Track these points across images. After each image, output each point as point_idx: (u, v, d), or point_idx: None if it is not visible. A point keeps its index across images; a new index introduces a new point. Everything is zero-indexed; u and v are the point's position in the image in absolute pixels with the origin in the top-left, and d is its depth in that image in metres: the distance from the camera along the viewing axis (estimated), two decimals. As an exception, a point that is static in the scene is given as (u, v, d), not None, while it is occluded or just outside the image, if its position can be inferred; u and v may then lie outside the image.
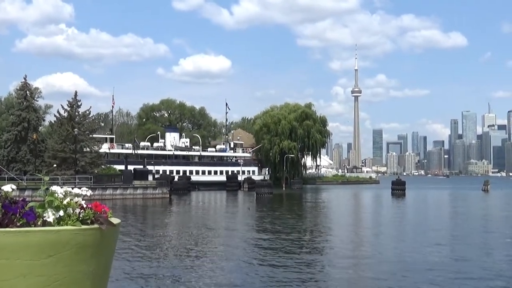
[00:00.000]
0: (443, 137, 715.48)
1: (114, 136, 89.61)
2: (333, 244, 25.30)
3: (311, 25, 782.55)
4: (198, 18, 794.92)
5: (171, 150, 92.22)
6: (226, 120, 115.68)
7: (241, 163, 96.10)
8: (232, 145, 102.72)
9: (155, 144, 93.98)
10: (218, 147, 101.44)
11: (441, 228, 32.69)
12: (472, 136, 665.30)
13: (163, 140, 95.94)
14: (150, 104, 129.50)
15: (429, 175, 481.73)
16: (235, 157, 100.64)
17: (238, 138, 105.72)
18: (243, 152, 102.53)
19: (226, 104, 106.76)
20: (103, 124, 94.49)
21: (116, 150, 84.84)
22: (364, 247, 24.53)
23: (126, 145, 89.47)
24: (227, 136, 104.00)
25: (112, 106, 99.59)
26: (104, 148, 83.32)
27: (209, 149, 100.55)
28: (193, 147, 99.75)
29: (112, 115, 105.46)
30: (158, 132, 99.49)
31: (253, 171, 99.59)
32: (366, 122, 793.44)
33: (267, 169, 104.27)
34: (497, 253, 22.03)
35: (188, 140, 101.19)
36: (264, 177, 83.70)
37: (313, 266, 18.79)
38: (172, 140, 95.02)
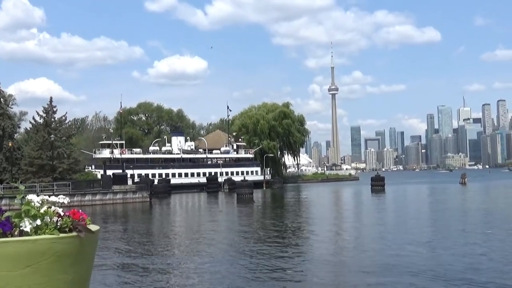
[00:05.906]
0: (420, 132, 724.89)
1: (123, 142, 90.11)
2: (315, 246, 25.42)
3: (286, 23, 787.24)
4: (172, 19, 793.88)
5: (178, 154, 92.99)
6: (228, 122, 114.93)
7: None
8: (235, 147, 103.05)
9: (163, 148, 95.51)
10: (222, 149, 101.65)
11: (422, 223, 33.08)
12: (448, 130, 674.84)
13: (169, 144, 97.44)
14: (127, 108, 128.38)
15: (417, 170, 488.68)
16: (238, 158, 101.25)
17: (240, 139, 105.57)
18: (245, 153, 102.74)
19: (228, 106, 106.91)
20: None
21: (128, 155, 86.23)
22: (347, 248, 24.70)
23: (135, 150, 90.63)
24: (229, 138, 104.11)
25: (120, 112, 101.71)
26: (115, 153, 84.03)
27: (214, 151, 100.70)
28: (199, 150, 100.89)
29: (121, 121, 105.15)
30: (165, 139, 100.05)
31: (256, 172, 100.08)
32: (344, 119, 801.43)
33: (269, 169, 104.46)
34: (477, 244, 22.38)
35: (193, 143, 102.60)
36: (244, 178, 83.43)
37: (296, 271, 18.88)
38: (178, 144, 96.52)
